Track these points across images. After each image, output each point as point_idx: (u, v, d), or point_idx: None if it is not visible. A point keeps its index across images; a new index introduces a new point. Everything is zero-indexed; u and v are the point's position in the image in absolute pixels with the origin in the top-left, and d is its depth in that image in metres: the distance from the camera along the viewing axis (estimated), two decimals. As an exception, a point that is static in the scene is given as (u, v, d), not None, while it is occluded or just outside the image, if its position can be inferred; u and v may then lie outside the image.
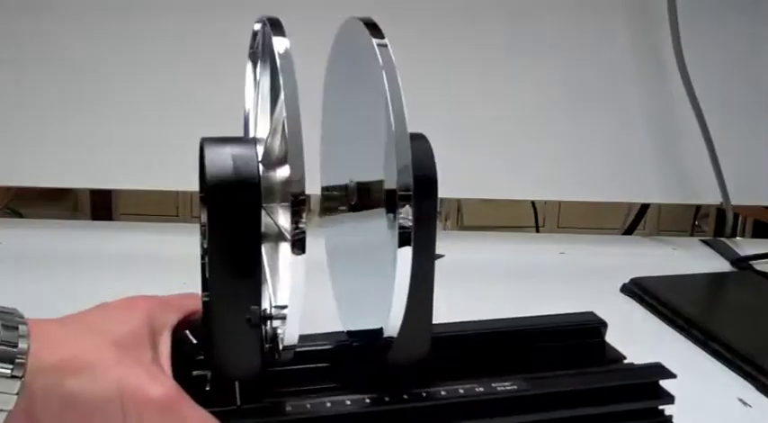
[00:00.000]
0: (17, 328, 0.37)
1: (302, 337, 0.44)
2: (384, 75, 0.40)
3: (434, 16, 0.87)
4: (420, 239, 0.42)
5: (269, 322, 0.41)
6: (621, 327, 0.55)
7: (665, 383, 0.50)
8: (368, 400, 0.44)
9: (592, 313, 0.54)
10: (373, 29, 0.42)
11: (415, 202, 0.40)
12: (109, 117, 0.89)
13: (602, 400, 0.47)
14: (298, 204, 0.37)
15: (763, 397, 0.54)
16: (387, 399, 0.44)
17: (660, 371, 0.48)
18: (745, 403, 0.53)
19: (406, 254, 0.40)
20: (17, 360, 0.36)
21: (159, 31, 0.87)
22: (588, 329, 0.53)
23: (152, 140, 0.89)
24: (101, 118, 0.89)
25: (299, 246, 0.37)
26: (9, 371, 0.35)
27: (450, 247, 0.84)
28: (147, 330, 0.41)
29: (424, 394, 0.44)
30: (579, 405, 0.47)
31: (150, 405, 0.38)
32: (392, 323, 0.42)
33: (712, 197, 0.90)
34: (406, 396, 0.44)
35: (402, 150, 0.39)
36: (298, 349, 0.43)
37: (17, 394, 0.35)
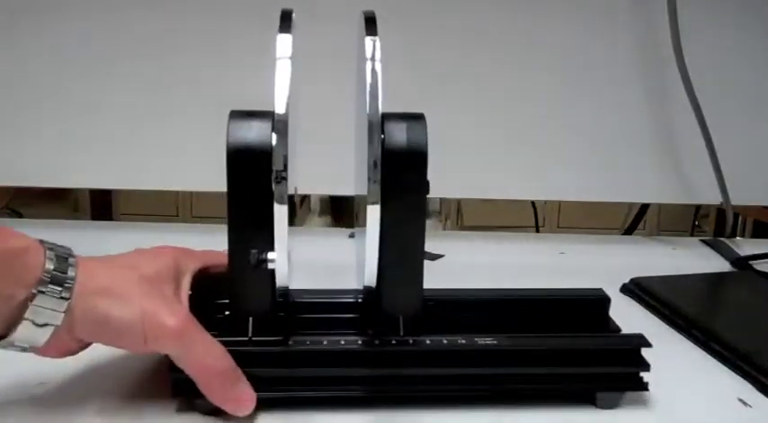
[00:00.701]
0: (67, 260, 0.44)
1: (320, 292, 0.55)
2: (367, 64, 0.46)
3: (434, 16, 0.87)
4: (409, 203, 0.49)
5: (264, 264, 0.47)
6: (621, 327, 0.55)
7: (666, 381, 0.50)
8: (360, 342, 0.50)
9: (600, 289, 0.58)
10: (369, 23, 0.48)
11: (405, 171, 0.48)
12: (109, 117, 0.89)
13: (580, 361, 0.50)
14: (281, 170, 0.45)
15: (763, 397, 0.54)
16: (377, 342, 0.50)
17: (639, 340, 0.51)
18: (745, 403, 0.53)
19: (374, 211, 0.46)
20: (66, 284, 0.43)
21: (160, 32, 0.87)
22: (593, 303, 0.57)
23: (152, 140, 0.89)
24: (101, 118, 0.89)
25: (280, 199, 0.45)
26: (59, 293, 0.43)
27: (451, 247, 0.85)
28: (172, 271, 0.49)
29: (411, 341, 0.50)
30: (555, 364, 0.50)
31: (165, 330, 0.45)
32: (368, 273, 0.48)
33: (712, 197, 0.90)
34: (394, 341, 0.50)
35: (374, 127, 0.46)
36: (311, 300, 0.53)
37: (64, 312, 0.43)
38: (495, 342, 0.50)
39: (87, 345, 0.48)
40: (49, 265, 0.43)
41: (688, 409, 0.52)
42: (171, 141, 0.89)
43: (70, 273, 0.44)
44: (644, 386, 0.51)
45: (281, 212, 0.45)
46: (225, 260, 0.53)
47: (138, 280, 0.46)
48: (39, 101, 0.89)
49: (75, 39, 0.87)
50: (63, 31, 0.86)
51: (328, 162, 0.77)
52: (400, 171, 0.48)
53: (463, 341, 0.50)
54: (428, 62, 0.87)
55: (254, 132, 0.47)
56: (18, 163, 0.90)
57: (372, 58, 0.46)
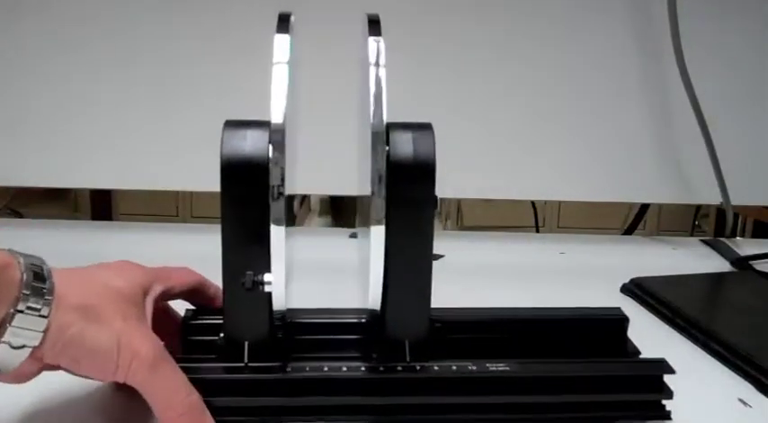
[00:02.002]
0: (42, 272, 0.41)
1: (322, 311, 0.51)
2: (371, 70, 0.44)
3: (434, 15, 0.87)
4: (415, 221, 0.46)
5: (261, 287, 0.44)
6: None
7: (665, 381, 0.50)
8: (363, 368, 0.46)
9: (617, 308, 0.54)
10: (373, 25, 0.46)
11: (411, 186, 0.45)
12: (109, 117, 0.89)
13: (596, 388, 0.47)
14: (279, 185, 0.42)
15: (763, 397, 0.54)
16: (381, 368, 0.46)
17: (661, 366, 0.48)
18: (745, 403, 0.53)
19: (379, 232, 0.43)
20: (45, 300, 0.40)
21: (159, 33, 0.87)
22: (610, 323, 0.53)
23: (152, 140, 0.89)
24: (101, 118, 0.89)
25: (277, 220, 0.42)
26: (38, 311, 0.39)
27: (450, 247, 0.85)
28: (140, 290, 0.45)
29: (418, 367, 0.46)
30: (571, 391, 0.47)
31: (139, 360, 0.42)
32: (372, 297, 0.45)
33: (712, 197, 0.90)
34: (399, 368, 0.46)
35: (378, 139, 0.43)
36: (312, 321, 0.49)
37: (43, 332, 0.39)
38: (508, 368, 0.47)
39: (44, 369, 0.43)
40: (27, 280, 0.39)
41: (688, 409, 0.52)
42: (171, 141, 0.89)
43: (47, 287, 0.40)
44: (666, 414, 0.48)
45: (278, 233, 0.42)
46: (191, 279, 0.51)
47: (113, 298, 0.43)
48: (39, 101, 0.89)
49: (75, 39, 0.87)
50: (63, 31, 0.86)
51: (328, 162, 0.77)
52: (406, 186, 0.45)
53: (473, 367, 0.47)
54: (427, 63, 0.87)
55: (250, 144, 0.44)
56: (18, 163, 0.90)
57: (377, 64, 0.44)
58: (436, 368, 0.46)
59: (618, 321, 0.53)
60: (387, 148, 0.44)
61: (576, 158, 0.91)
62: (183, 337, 0.50)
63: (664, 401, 0.48)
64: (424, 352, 0.47)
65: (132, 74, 0.88)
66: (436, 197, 0.46)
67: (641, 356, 0.52)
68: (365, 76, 0.46)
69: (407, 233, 0.46)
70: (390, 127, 0.45)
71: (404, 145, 0.45)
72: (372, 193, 0.43)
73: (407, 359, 0.47)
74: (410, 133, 0.46)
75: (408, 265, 0.46)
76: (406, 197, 0.45)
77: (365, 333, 0.49)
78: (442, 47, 0.87)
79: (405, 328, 0.47)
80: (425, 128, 0.46)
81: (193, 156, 0.88)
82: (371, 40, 0.44)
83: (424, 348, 0.47)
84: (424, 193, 0.45)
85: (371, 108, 0.43)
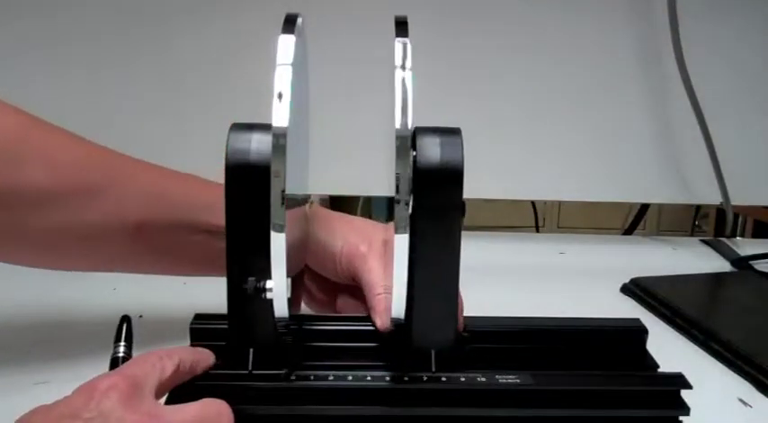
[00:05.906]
0: None
1: (336, 318, 0.50)
2: (395, 73, 0.42)
3: (435, 16, 0.87)
4: (442, 228, 0.44)
5: (263, 293, 0.43)
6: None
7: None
8: (369, 378, 0.45)
9: (637, 320, 0.52)
10: (400, 26, 0.44)
11: (439, 192, 0.44)
12: (109, 116, 0.89)
13: (609, 403, 0.46)
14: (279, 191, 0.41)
15: (763, 397, 0.54)
16: (387, 378, 0.45)
17: (679, 381, 0.47)
18: (745, 403, 0.53)
19: (402, 241, 0.41)
20: None
21: (160, 32, 0.86)
22: (629, 336, 0.51)
23: (152, 140, 0.89)
24: (100, 118, 0.89)
25: (277, 226, 0.41)
26: None
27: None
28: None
29: (425, 378, 0.45)
30: (584, 406, 0.46)
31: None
32: (396, 306, 0.43)
33: (712, 197, 0.90)
34: (406, 378, 0.45)
35: (402, 147, 0.41)
36: (322, 328, 0.48)
37: None
38: (518, 381, 0.45)
39: None
40: None
41: (688, 409, 0.52)
42: (171, 141, 0.89)
43: None
44: None
45: (278, 240, 0.41)
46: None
47: None
48: (38, 101, 0.88)
49: (74, 38, 0.87)
50: (63, 30, 0.86)
51: (329, 162, 0.77)
52: (434, 192, 0.44)
53: (483, 379, 0.45)
54: (427, 62, 0.87)
55: (255, 149, 0.44)
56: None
57: (403, 66, 0.42)
58: (443, 379, 0.45)
59: (636, 333, 0.51)
60: (414, 153, 0.43)
61: (576, 158, 0.91)
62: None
63: (681, 418, 0.47)
64: (451, 362, 0.46)
65: (133, 74, 0.88)
66: (464, 203, 0.45)
67: (660, 370, 0.49)
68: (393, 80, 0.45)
69: (435, 240, 0.44)
70: (417, 131, 0.44)
71: (431, 150, 0.44)
72: (396, 200, 0.41)
73: (433, 369, 0.46)
74: (438, 138, 0.44)
75: (436, 272, 0.45)
76: (434, 203, 0.44)
77: (380, 341, 0.48)
78: (441, 47, 0.87)
79: (431, 338, 0.46)
80: (454, 133, 0.45)
81: (193, 156, 0.87)
82: (398, 41, 0.43)
83: (450, 358, 0.46)
84: (451, 200, 0.44)
85: (397, 112, 0.41)
